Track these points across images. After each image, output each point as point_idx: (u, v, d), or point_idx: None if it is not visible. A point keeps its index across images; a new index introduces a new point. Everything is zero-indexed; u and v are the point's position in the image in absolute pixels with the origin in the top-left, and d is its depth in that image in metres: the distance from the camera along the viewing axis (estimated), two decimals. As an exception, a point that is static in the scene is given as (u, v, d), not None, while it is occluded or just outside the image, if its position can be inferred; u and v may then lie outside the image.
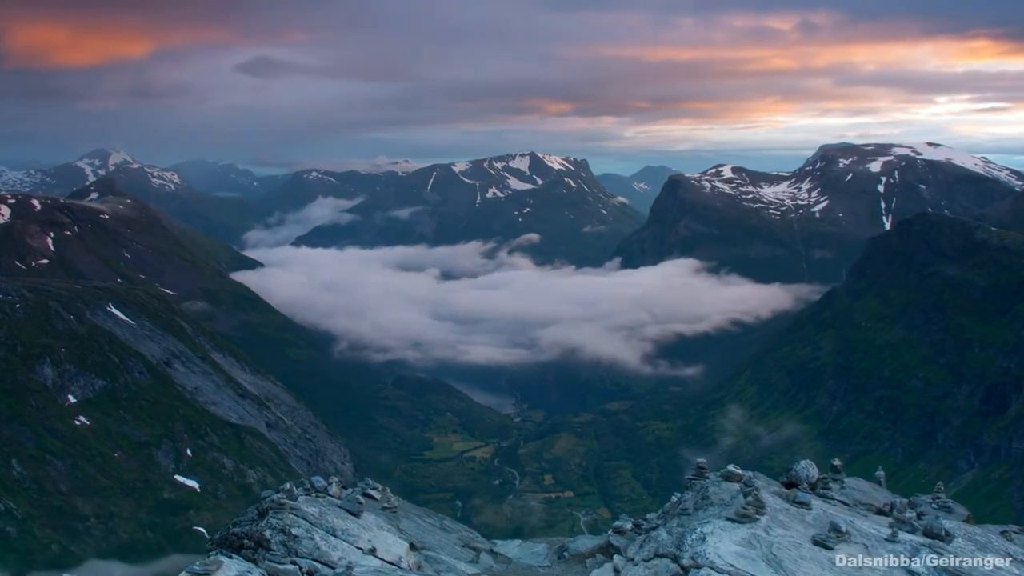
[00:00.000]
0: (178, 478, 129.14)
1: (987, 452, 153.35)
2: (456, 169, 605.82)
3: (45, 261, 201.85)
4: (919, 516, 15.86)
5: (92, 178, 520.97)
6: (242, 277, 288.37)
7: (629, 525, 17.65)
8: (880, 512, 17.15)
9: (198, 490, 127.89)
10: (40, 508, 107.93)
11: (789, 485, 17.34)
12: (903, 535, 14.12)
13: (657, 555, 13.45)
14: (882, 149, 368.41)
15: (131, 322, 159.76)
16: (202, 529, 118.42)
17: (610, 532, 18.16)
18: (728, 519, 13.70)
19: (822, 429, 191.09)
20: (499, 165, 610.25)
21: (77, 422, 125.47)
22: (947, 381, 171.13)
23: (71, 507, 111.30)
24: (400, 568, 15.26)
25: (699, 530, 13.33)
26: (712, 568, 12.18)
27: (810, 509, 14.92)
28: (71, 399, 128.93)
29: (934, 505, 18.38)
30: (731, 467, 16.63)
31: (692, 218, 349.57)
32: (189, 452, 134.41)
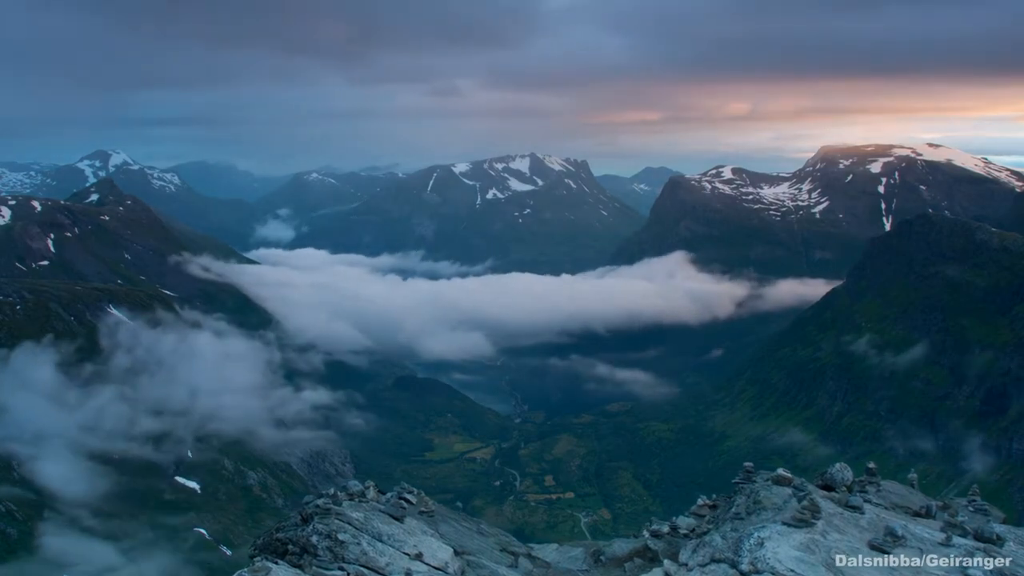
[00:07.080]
0: (179, 479, 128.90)
1: (988, 453, 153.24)
2: (456, 170, 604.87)
3: (45, 262, 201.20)
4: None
5: (92, 180, 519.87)
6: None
7: (666, 528, 17.46)
8: (917, 515, 17.00)
9: (199, 492, 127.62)
10: (41, 509, 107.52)
11: (824, 488, 17.17)
12: (957, 539, 13.98)
13: (714, 560, 13.25)
14: (882, 150, 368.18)
15: (131, 323, 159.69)
16: (203, 531, 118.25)
17: (647, 535, 17.94)
18: (784, 523, 13.52)
19: (823, 430, 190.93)
20: (499, 166, 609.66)
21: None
22: (947, 381, 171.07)
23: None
24: (447, 573, 15.03)
25: (756, 535, 13.14)
26: (772, 573, 11.97)
27: (863, 513, 14.73)
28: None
29: (971, 508, 18.22)
30: (781, 470, 16.42)
31: (692, 219, 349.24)
32: (190, 454, 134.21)
